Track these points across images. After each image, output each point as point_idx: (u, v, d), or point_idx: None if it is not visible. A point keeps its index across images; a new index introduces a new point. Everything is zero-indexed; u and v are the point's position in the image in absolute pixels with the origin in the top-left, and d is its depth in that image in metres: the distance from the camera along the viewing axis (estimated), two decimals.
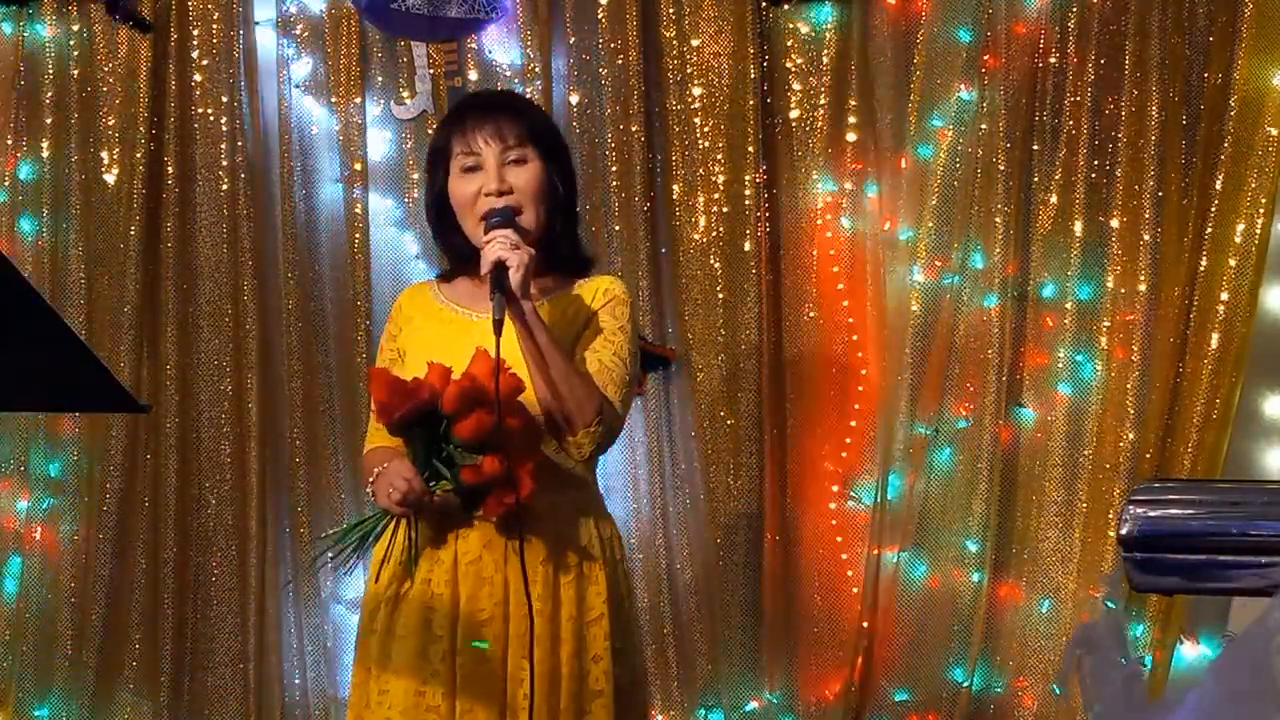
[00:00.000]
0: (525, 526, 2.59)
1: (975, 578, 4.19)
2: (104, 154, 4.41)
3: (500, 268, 2.53)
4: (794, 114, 4.31)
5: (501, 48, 4.34)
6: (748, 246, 4.29)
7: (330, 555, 2.68)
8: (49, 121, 4.41)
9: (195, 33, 4.38)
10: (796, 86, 4.31)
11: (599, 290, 2.74)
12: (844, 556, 4.32)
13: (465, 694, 2.60)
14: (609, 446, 2.69)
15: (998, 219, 4.18)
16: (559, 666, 2.63)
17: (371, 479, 2.66)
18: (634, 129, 4.28)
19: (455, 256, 2.80)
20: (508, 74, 4.33)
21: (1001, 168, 4.17)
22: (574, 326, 2.71)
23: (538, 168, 2.70)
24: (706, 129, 4.31)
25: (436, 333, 2.74)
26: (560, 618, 2.64)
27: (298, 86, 4.39)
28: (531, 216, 2.69)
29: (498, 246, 2.55)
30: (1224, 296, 4.02)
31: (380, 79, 4.38)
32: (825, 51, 4.29)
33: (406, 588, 2.67)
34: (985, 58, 4.19)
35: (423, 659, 2.63)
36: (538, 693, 2.58)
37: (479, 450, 2.52)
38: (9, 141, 4.43)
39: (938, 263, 4.22)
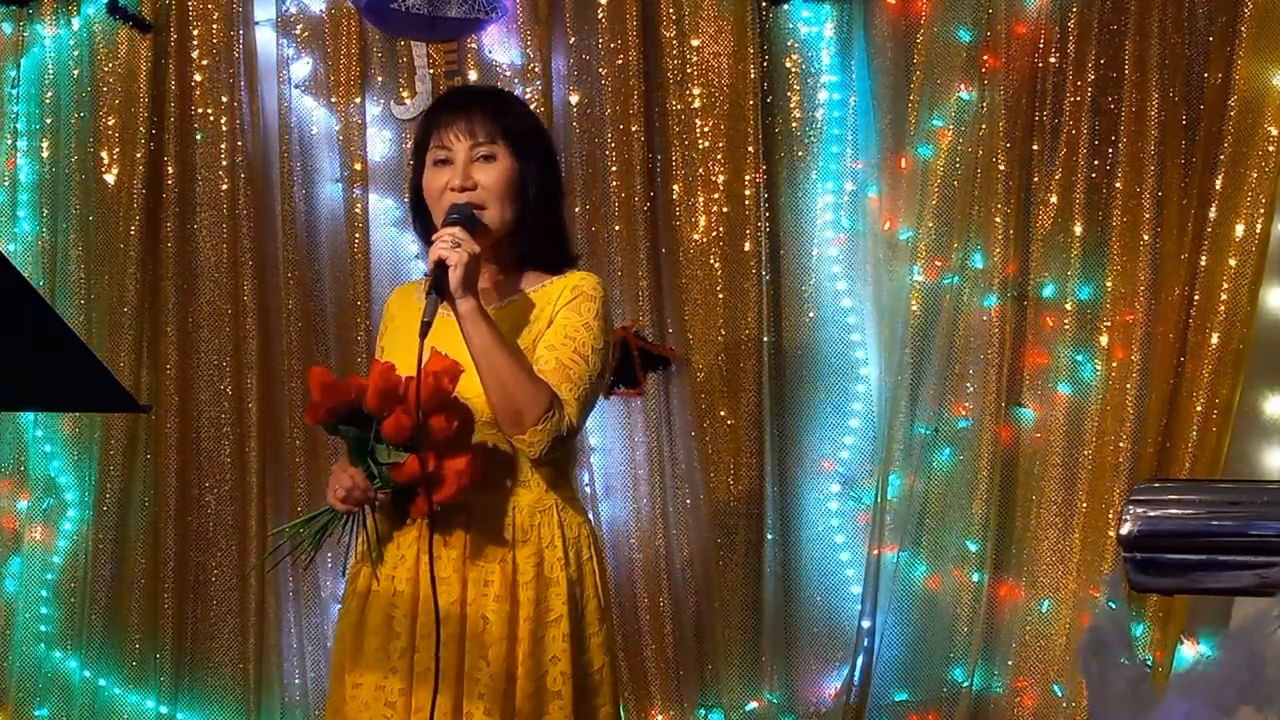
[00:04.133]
0: (469, 524, 2.63)
1: (975, 578, 4.19)
2: (104, 154, 4.41)
3: (440, 266, 2.54)
4: (794, 114, 4.31)
5: (501, 48, 4.34)
6: (748, 246, 4.29)
7: (287, 549, 2.73)
8: (49, 121, 4.42)
9: (195, 33, 4.38)
10: (796, 86, 4.31)
11: (567, 286, 2.72)
12: (844, 556, 4.32)
13: (420, 690, 2.62)
14: (565, 445, 2.66)
15: (998, 219, 4.18)
16: (515, 667, 2.63)
17: None
18: (634, 129, 4.27)
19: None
20: (508, 74, 4.33)
21: (1001, 168, 4.16)
22: (538, 323, 2.70)
23: (507, 165, 2.70)
24: (706, 129, 4.30)
25: (413, 332, 2.74)
26: (518, 618, 2.64)
27: (298, 86, 4.39)
28: (496, 214, 2.69)
29: (439, 245, 2.56)
30: (1224, 296, 4.01)
31: (380, 79, 4.38)
32: (825, 51, 4.29)
33: (375, 584, 2.70)
34: (985, 58, 4.19)
35: (384, 654, 2.66)
36: (490, 694, 2.60)
37: (406, 449, 2.53)
38: (9, 141, 4.43)
39: (938, 263, 4.22)
